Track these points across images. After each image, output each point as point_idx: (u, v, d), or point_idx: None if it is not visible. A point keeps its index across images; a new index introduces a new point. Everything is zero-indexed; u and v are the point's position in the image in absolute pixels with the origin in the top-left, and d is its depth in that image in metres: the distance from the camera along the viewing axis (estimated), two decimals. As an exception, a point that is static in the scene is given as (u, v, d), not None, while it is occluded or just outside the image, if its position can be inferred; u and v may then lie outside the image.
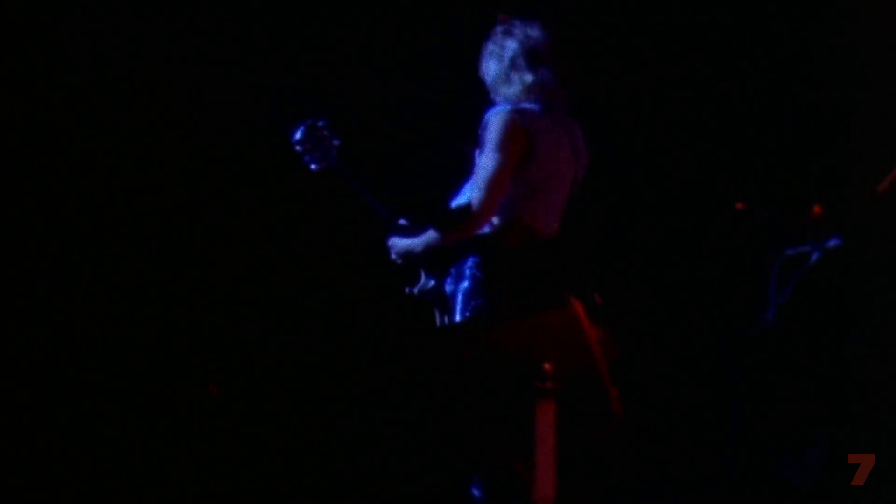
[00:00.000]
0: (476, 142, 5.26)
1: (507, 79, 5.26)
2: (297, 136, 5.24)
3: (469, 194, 5.15)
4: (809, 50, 6.75)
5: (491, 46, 5.32)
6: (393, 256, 5.35)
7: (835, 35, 6.66)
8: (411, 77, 6.82)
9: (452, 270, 5.27)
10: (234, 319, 6.80)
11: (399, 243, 5.30)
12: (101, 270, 6.63)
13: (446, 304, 5.34)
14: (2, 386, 6.40)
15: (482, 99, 5.38)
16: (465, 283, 5.19)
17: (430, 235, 5.25)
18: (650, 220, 7.11)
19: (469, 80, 5.44)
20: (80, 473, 6.42)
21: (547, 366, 4.20)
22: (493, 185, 5.08)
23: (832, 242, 5.76)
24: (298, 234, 6.91)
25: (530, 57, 5.25)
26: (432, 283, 5.35)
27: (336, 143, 5.24)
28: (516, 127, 5.15)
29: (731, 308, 6.70)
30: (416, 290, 5.39)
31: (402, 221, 5.34)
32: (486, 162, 5.12)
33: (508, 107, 5.22)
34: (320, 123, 5.26)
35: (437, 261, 5.34)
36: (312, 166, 5.25)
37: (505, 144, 5.11)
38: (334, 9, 6.77)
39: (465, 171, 5.40)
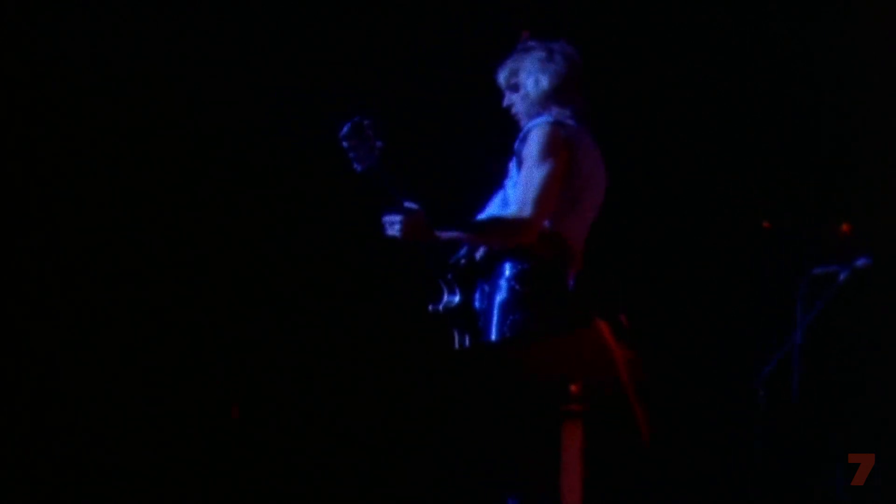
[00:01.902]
0: (508, 156, 5.24)
1: (555, 95, 5.25)
2: (344, 132, 5.17)
3: (515, 204, 5.09)
4: (841, 69, 6.72)
5: (538, 57, 5.30)
6: (394, 232, 5.13)
7: (869, 54, 6.64)
8: (438, 92, 6.85)
9: (484, 286, 5.17)
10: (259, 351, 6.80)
11: (411, 220, 5.11)
12: (100, 271, 6.59)
13: (472, 323, 5.23)
14: (2, 390, 6.37)
15: (506, 114, 5.39)
16: (502, 297, 5.10)
17: (467, 234, 5.18)
18: (674, 240, 7.01)
19: (494, 95, 5.44)
20: (81, 475, 6.41)
21: (573, 387, 4.17)
22: (545, 194, 5.04)
23: (861, 261, 5.71)
24: (315, 249, 6.90)
25: (578, 77, 5.28)
26: (457, 299, 5.24)
27: (379, 144, 5.17)
28: (562, 139, 5.13)
29: (758, 329, 6.58)
30: (440, 308, 5.27)
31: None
32: (534, 172, 5.08)
33: (551, 119, 5.20)
34: (366, 122, 5.19)
35: (460, 273, 5.26)
36: (356, 166, 5.17)
37: (553, 155, 5.09)
38: (362, 20, 6.83)
39: (489, 186, 5.39)
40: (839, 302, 5.76)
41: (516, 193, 5.16)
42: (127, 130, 6.57)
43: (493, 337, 5.07)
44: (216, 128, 6.65)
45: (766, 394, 5.75)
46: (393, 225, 5.13)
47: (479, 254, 5.29)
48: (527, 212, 5.07)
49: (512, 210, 5.15)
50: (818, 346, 5.80)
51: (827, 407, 6.36)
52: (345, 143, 5.18)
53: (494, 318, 5.10)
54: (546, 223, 5.16)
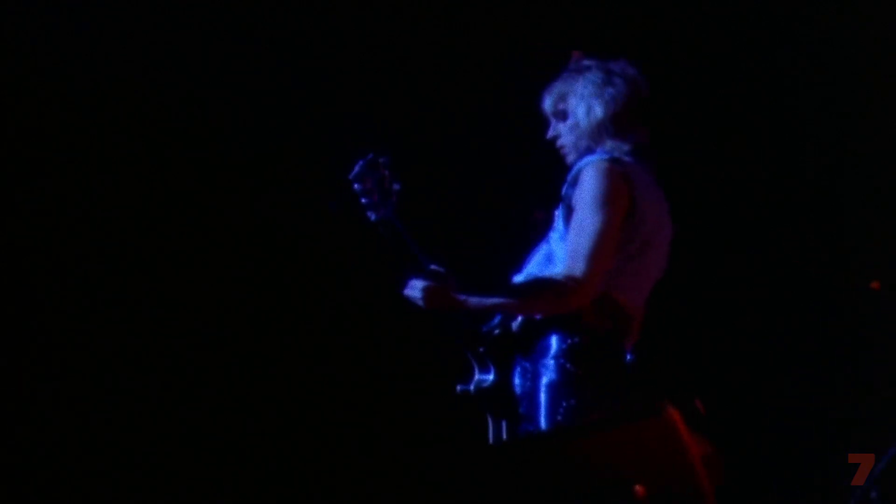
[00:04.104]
0: (556, 203, 4.72)
1: (611, 126, 4.72)
2: (355, 172, 4.67)
3: (564, 261, 4.59)
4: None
5: (593, 80, 4.77)
6: (418, 299, 4.64)
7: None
8: (469, 127, 6.50)
9: (525, 364, 4.68)
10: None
11: (436, 287, 4.61)
12: (95, 276, 6.55)
13: (509, 407, 4.70)
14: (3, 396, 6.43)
15: (553, 157, 4.90)
16: (551, 377, 4.60)
17: (505, 300, 4.65)
18: (760, 303, 6.62)
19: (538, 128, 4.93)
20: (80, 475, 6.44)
21: (638, 488, 3.83)
22: (600, 249, 4.52)
23: None
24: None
25: (641, 105, 4.77)
26: (491, 378, 4.72)
27: (396, 187, 4.67)
28: (620, 180, 4.60)
29: (867, 418, 6.23)
30: (471, 389, 4.73)
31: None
32: (587, 221, 4.55)
33: (606, 156, 4.67)
34: (382, 160, 4.69)
35: (494, 345, 4.74)
36: (370, 214, 4.67)
37: (610, 200, 4.57)
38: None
39: (529, 239, 4.88)
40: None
41: (564, 248, 4.63)
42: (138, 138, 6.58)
43: (544, 426, 4.59)
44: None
45: (880, 496, 5.26)
46: (414, 291, 4.63)
47: (517, 323, 4.75)
48: (578, 270, 4.52)
49: (559, 269, 4.59)
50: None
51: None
52: (356, 186, 4.68)
53: (543, 404, 4.60)
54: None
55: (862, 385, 6.34)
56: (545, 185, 4.88)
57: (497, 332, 4.75)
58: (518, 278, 4.74)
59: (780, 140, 6.63)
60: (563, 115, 4.81)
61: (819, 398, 6.34)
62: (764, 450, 6.12)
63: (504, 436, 4.68)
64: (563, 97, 4.79)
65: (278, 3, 6.51)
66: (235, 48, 6.46)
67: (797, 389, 6.31)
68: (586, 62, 4.81)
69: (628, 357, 4.67)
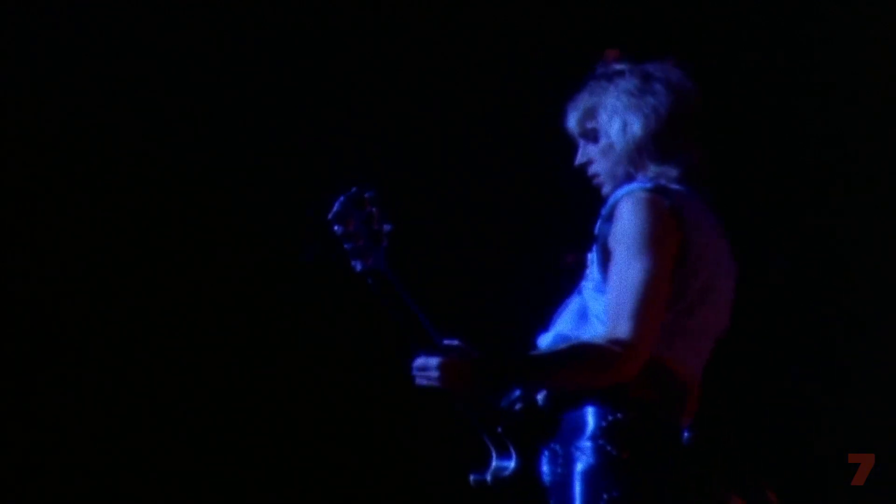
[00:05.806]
0: (589, 245, 4.24)
1: (653, 146, 4.20)
2: (336, 210, 4.19)
3: (604, 320, 4.11)
4: None
5: (627, 87, 4.23)
6: (434, 380, 4.18)
7: None
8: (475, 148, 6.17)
9: (555, 446, 4.20)
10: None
11: (454, 368, 4.15)
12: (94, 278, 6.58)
13: (538, 501, 4.22)
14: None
15: (584, 187, 4.36)
16: (588, 462, 4.14)
17: (537, 378, 4.21)
18: (764, 306, 6.33)
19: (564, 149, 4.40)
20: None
21: None
22: (649, 304, 4.04)
23: None
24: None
25: (690, 117, 4.26)
26: (512, 465, 4.24)
27: (387, 228, 4.21)
28: (667, 215, 4.07)
29: (870, 415, 6.17)
30: (488, 478, 4.25)
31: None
32: (629, 268, 4.06)
33: (649, 184, 4.14)
34: (368, 195, 4.21)
35: (515, 424, 4.25)
36: (355, 263, 4.20)
37: (655, 241, 4.06)
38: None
39: (556, 289, 4.34)
40: None
41: (603, 303, 4.12)
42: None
43: None
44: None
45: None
46: (427, 373, 4.18)
47: (543, 395, 4.24)
48: (624, 331, 4.00)
49: (600, 330, 4.09)
50: None
51: None
52: (336, 229, 4.19)
53: (578, 496, 4.12)
54: None
55: (862, 385, 6.29)
56: (575, 222, 4.42)
57: (518, 406, 4.22)
58: (545, 340, 4.21)
59: (780, 140, 6.46)
60: (593, 136, 4.26)
61: (819, 398, 6.30)
62: (764, 450, 5.98)
63: (530, 537, 4.30)
64: (591, 113, 4.25)
65: (279, 3, 6.48)
66: (235, 48, 6.43)
67: (797, 389, 6.26)
68: (617, 66, 4.27)
69: (684, 436, 4.13)
